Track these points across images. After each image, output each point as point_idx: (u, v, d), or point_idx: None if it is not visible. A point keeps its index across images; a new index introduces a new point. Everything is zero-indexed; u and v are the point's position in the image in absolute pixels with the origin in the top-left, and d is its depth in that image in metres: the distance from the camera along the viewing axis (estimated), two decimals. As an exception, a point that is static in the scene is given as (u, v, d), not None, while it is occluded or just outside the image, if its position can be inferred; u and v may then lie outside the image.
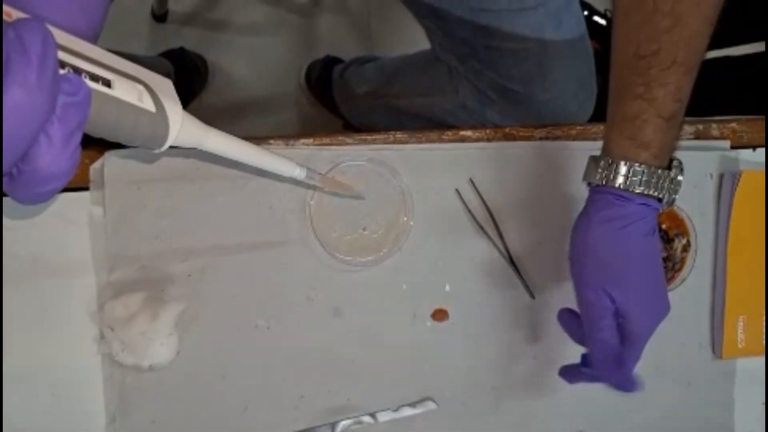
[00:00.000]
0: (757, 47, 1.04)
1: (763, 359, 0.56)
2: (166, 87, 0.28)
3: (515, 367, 0.50)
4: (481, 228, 0.49)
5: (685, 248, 0.53)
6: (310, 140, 0.46)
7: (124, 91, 0.25)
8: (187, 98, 1.03)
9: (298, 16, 1.18)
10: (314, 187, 0.44)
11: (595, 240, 0.39)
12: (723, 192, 0.55)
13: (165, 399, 0.43)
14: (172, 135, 0.28)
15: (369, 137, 0.48)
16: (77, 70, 0.23)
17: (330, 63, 1.07)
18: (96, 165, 0.42)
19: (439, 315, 0.48)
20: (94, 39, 0.28)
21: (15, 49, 0.19)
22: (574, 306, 0.51)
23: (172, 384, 0.43)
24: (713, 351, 0.55)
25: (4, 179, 0.22)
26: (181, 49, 1.05)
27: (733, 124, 0.56)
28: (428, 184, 0.48)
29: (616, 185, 0.38)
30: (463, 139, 0.50)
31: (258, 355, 0.45)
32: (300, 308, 0.46)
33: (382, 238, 0.47)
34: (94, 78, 0.24)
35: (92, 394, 0.42)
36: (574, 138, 0.52)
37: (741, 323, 0.55)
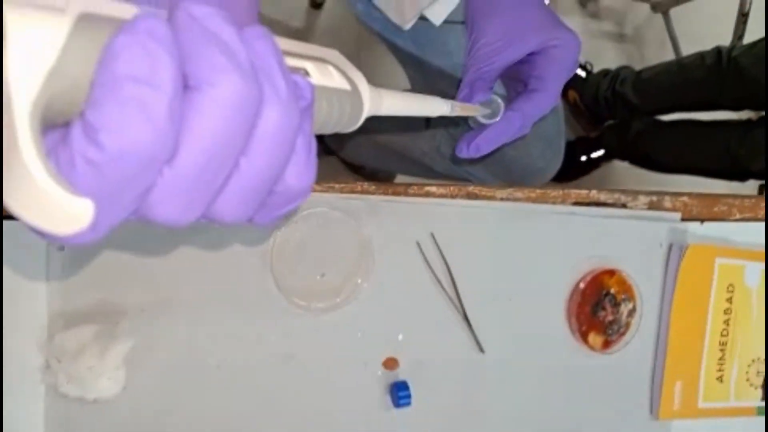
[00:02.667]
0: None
1: (695, 422, 0.59)
2: (340, 58, 0.25)
3: (461, 419, 0.52)
4: (438, 281, 0.51)
5: (631, 313, 0.56)
6: (278, 184, 0.47)
7: (321, 76, 0.22)
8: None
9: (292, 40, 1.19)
10: (456, 118, 0.41)
11: None
12: (670, 262, 0.58)
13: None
14: (365, 107, 0.25)
15: (336, 185, 0.49)
16: (292, 71, 0.20)
17: None
18: (60, 195, 0.42)
19: (390, 364, 0.50)
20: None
21: (261, 65, 0.16)
22: (524, 361, 0.53)
23: (117, 418, 0.43)
24: (651, 412, 0.58)
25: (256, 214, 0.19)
26: None
27: (685, 198, 0.59)
28: (390, 235, 0.50)
29: None
30: (428, 195, 0.51)
31: (206, 394, 0.45)
32: (252, 349, 0.46)
33: (340, 285, 0.48)
34: (293, 71, 0.19)
35: (34, 424, 0.42)
36: (534, 201, 0.54)
37: (678, 387, 0.58)
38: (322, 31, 1.21)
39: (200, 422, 0.45)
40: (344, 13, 1.21)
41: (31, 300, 0.42)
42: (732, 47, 1.01)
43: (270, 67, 0.17)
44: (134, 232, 0.44)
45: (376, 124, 0.95)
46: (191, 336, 0.45)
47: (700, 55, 1.05)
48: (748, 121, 1.04)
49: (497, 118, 0.41)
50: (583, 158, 1.19)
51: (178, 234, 0.45)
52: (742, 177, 1.05)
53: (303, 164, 0.19)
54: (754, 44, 0.97)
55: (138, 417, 0.43)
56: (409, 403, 0.48)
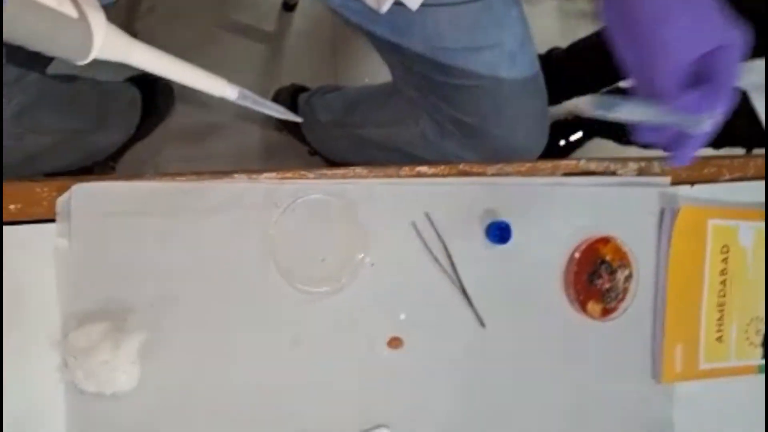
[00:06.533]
0: None
1: (697, 384, 0.60)
2: None
3: (464, 392, 0.53)
4: (436, 259, 0.52)
5: (627, 279, 0.57)
6: (273, 174, 0.49)
7: None
8: (154, 123, 1.05)
9: (265, 44, 1.21)
10: (251, 107, 0.38)
11: None
12: (663, 226, 0.59)
13: (126, 425, 0.44)
14: (96, 45, 0.27)
15: (329, 172, 0.50)
16: None
17: (296, 91, 1.09)
18: (63, 198, 0.43)
19: (394, 343, 0.51)
20: None
21: None
22: (525, 334, 0.54)
23: (134, 411, 0.44)
24: (653, 376, 0.59)
25: None
26: (147, 75, 1.06)
27: (673, 163, 0.60)
28: (386, 217, 0.51)
29: None
30: (420, 175, 0.53)
31: (218, 382, 0.46)
32: (259, 337, 0.47)
33: (341, 268, 0.49)
34: None
35: (55, 421, 0.43)
36: (524, 174, 0.55)
37: (679, 350, 0.59)
38: (295, 34, 1.23)
39: (214, 411, 0.46)
40: (317, 14, 1.22)
41: (44, 302, 0.43)
42: None
43: None
44: (136, 231, 0.45)
45: (357, 119, 0.97)
46: (200, 327, 0.46)
47: None
48: None
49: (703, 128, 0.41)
50: (562, 142, 1.20)
51: (179, 230, 0.46)
52: None
53: None
54: None
55: (156, 408, 0.45)
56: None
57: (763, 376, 0.63)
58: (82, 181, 0.44)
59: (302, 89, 1.11)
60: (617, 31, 0.42)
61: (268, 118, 1.15)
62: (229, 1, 1.18)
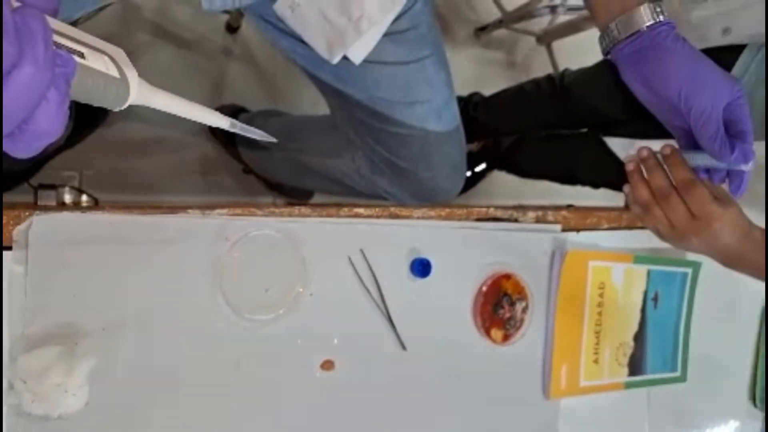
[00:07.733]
0: None
1: (578, 399, 0.71)
2: (122, 55, 0.33)
3: (386, 406, 0.60)
4: (368, 291, 0.59)
5: (524, 310, 0.67)
6: (225, 210, 0.53)
7: (94, 61, 0.30)
8: (86, 131, 1.03)
9: (208, 62, 1.22)
10: (239, 132, 0.43)
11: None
12: (554, 266, 0.71)
13: (70, 445, 0.46)
14: (132, 96, 0.32)
15: (277, 210, 0.56)
16: (57, 46, 0.27)
17: (236, 111, 1.13)
18: (22, 227, 0.45)
19: (327, 365, 0.57)
20: (55, 16, 0.31)
21: (25, 34, 0.23)
22: (439, 355, 0.62)
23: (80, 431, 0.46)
24: (543, 392, 0.70)
25: (6, 139, 0.26)
26: None
27: (564, 212, 0.72)
28: (325, 252, 0.57)
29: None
30: (357, 215, 0.59)
31: (162, 404, 0.50)
32: (204, 360, 0.51)
33: (282, 298, 0.55)
34: (71, 52, 0.28)
35: (-5, 442, 0.44)
36: (443, 218, 0.64)
37: (564, 369, 0.71)
38: (237, 54, 1.26)
39: (159, 429, 0.50)
40: (260, 39, 1.26)
41: (-8, 326, 0.45)
42: (562, 75, 1.11)
43: (34, 39, 0.24)
44: (93, 260, 0.48)
45: (299, 144, 1.02)
46: (148, 351, 0.49)
47: (536, 83, 1.15)
48: (584, 136, 1.19)
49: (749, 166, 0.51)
50: (468, 173, 1.33)
51: (133, 260, 0.49)
52: (576, 183, 1.21)
53: (53, 112, 0.26)
54: (585, 71, 1.08)
55: (101, 429, 0.47)
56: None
57: (629, 391, 0.76)
58: (41, 211, 0.46)
59: (242, 110, 1.14)
60: (657, 108, 0.51)
61: (203, 136, 1.17)
62: (172, 16, 1.19)
